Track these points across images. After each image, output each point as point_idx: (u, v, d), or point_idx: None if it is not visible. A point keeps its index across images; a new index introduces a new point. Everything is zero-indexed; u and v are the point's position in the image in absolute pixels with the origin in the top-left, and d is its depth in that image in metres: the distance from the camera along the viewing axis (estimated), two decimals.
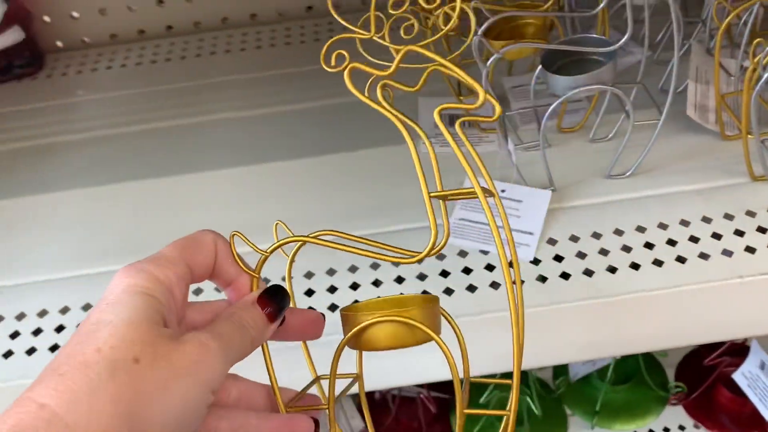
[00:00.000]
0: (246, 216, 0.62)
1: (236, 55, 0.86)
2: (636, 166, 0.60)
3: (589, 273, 0.53)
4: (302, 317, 0.36)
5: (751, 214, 0.56)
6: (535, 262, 0.55)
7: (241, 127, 0.74)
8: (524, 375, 0.87)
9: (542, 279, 0.53)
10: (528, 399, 0.83)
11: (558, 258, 0.55)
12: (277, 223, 0.36)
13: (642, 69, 0.60)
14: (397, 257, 0.33)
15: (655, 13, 0.60)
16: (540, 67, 0.56)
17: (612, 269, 0.53)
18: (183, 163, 0.70)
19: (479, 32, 0.57)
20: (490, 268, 0.55)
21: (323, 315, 0.37)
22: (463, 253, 0.56)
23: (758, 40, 0.49)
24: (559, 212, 0.59)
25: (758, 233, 0.55)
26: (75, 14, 0.88)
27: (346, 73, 0.34)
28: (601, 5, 0.56)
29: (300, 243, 0.34)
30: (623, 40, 0.50)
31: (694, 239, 0.55)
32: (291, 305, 0.36)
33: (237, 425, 0.32)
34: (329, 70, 0.36)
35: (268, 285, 0.34)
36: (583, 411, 0.87)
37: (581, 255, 0.55)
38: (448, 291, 0.53)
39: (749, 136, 0.56)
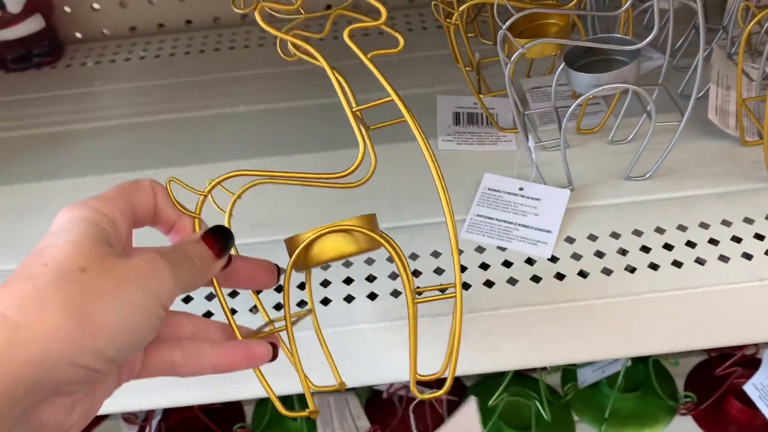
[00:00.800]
0: (262, 207, 0.62)
1: (254, 51, 0.86)
2: (655, 168, 0.60)
3: (607, 272, 0.53)
4: (253, 264, 0.37)
5: None
6: (553, 259, 0.54)
7: (257, 120, 0.74)
8: (533, 380, 0.86)
9: (560, 276, 0.53)
10: (537, 404, 0.83)
11: (576, 256, 0.55)
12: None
13: (663, 72, 0.60)
14: (328, 182, 0.38)
15: (674, 20, 0.60)
16: (562, 65, 0.56)
17: (631, 269, 0.53)
18: (198, 154, 0.70)
19: (504, 27, 0.57)
20: (507, 264, 0.54)
21: (276, 264, 0.38)
22: (480, 249, 0.56)
23: None
24: (577, 211, 0.58)
25: None
26: (96, 6, 0.89)
27: (256, 12, 0.36)
28: (626, 5, 0.56)
29: (251, 183, 0.37)
30: (649, 38, 0.50)
31: (713, 242, 0.54)
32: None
33: (191, 353, 0.33)
34: (238, 11, 0.39)
35: (212, 226, 0.35)
36: (591, 418, 0.87)
37: (599, 254, 0.54)
38: (465, 286, 0.53)
39: None
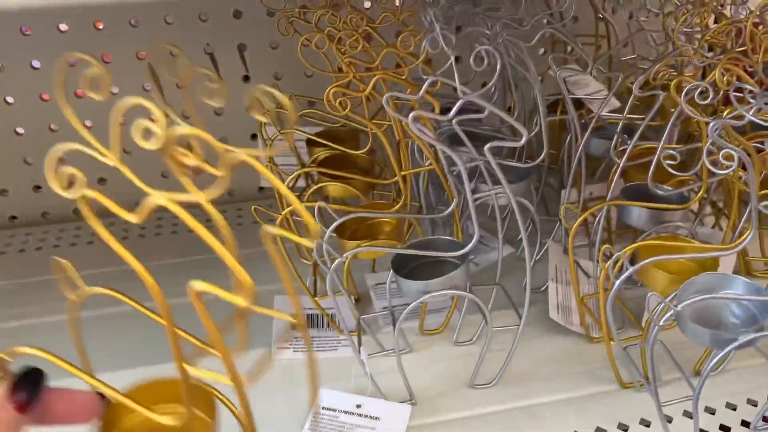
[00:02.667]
0: None
1: (84, 248, 0.79)
2: (500, 376, 0.55)
3: None
4: (70, 399, 0.34)
5: (623, 427, 0.52)
6: None
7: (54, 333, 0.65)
8: None
9: None
10: None
11: None
12: None
13: (500, 270, 0.58)
14: None
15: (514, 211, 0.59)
16: (392, 270, 0.52)
17: None
18: None
19: (327, 233, 0.54)
20: None
21: (102, 395, 0.35)
22: None
23: (605, 246, 0.47)
24: (420, 430, 0.52)
25: None
26: None
27: None
28: (451, 207, 0.54)
29: None
30: (472, 243, 0.48)
31: None
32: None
33: None
34: None
35: (21, 371, 0.32)
36: None
37: None
38: None
39: (612, 341, 0.53)
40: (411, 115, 0.46)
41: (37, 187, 0.83)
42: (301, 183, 0.73)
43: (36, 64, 0.76)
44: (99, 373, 0.47)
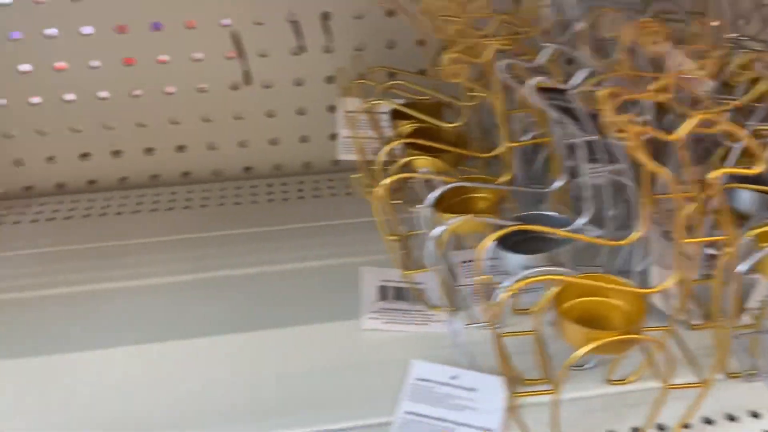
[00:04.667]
0: (160, 403, 0.53)
1: (162, 215, 0.79)
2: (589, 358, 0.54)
3: None
4: None
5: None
6: None
7: (157, 295, 0.66)
8: None
9: None
10: None
11: None
12: None
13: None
14: None
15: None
16: (494, 243, 0.51)
17: None
18: (88, 337, 0.60)
19: (429, 202, 0.53)
20: None
21: None
22: None
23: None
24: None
25: None
26: None
27: None
28: (560, 182, 0.52)
29: None
30: (579, 222, 0.47)
31: None
32: None
33: None
34: None
35: None
36: None
37: None
38: None
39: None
40: (530, 83, 0.45)
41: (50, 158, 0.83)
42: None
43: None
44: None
